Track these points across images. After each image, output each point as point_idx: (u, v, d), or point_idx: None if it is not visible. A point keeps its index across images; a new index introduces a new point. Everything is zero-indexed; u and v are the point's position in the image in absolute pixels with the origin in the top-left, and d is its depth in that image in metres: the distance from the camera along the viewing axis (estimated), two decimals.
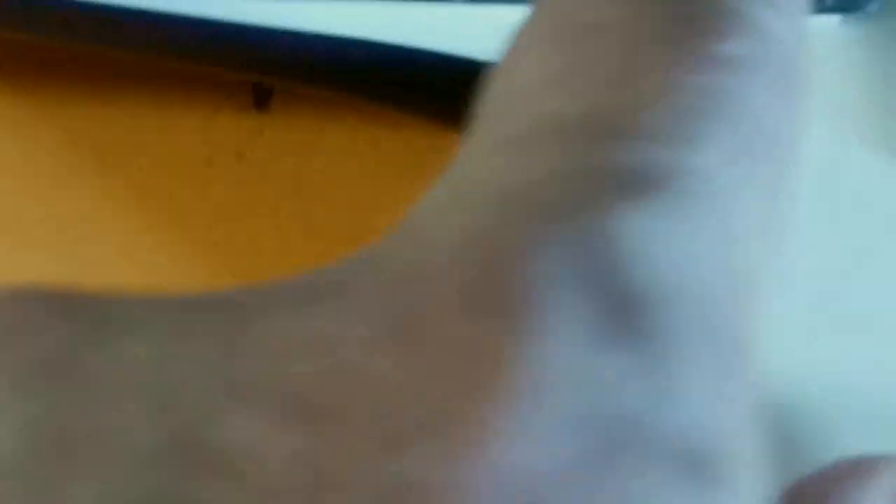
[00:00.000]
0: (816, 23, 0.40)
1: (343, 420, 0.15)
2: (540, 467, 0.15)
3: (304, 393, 0.15)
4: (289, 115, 0.49)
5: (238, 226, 0.49)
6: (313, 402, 0.15)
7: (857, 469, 0.29)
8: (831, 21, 0.40)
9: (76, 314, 0.17)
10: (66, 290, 0.17)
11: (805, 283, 0.39)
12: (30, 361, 0.16)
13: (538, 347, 0.16)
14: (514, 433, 0.15)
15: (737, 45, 0.20)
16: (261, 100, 0.49)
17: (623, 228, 0.17)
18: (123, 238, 0.48)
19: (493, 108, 0.20)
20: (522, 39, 0.21)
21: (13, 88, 0.48)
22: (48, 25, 0.44)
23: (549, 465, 0.15)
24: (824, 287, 0.39)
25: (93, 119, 0.48)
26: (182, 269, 0.48)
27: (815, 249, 0.39)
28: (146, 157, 0.48)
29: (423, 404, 0.15)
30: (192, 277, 0.48)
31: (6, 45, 0.48)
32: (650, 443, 0.16)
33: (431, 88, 0.45)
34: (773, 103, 0.20)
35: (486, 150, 0.19)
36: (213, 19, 0.42)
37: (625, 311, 0.16)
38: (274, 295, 0.17)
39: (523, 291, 0.16)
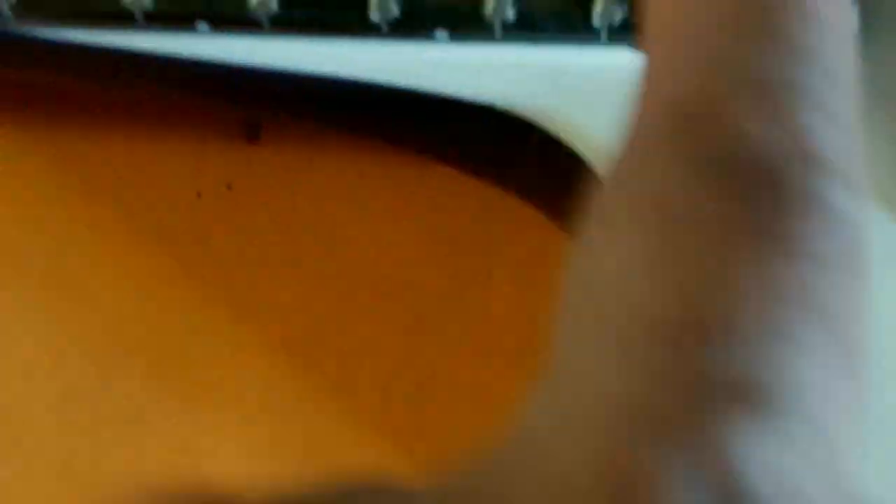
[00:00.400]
0: None
1: None
2: None
3: None
4: (278, 145, 0.49)
5: (227, 256, 0.49)
6: None
7: None
8: None
9: None
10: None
11: None
12: None
13: None
14: None
15: (825, 239, 0.20)
16: (250, 131, 0.49)
17: (737, 448, 0.17)
18: (114, 268, 0.49)
19: (584, 294, 0.20)
20: (606, 216, 0.21)
21: (1, 118, 0.49)
22: (41, 63, 0.44)
23: None
24: None
25: (82, 150, 0.49)
26: (173, 298, 0.49)
27: None
28: (136, 188, 0.49)
29: None
30: (183, 307, 0.49)
31: None
32: None
33: (417, 124, 0.46)
34: (854, 297, 0.20)
35: (588, 349, 0.20)
36: (204, 60, 0.43)
37: None
38: None
39: None
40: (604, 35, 0.41)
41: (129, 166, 0.49)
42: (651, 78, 0.23)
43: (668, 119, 0.21)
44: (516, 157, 0.44)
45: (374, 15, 0.41)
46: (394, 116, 0.45)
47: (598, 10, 0.40)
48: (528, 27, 0.41)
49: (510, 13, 0.40)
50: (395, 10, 0.40)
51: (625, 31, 0.40)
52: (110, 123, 0.49)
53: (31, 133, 0.49)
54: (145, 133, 0.49)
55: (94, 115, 0.49)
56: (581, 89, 0.41)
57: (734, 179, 0.20)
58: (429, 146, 0.47)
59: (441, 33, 0.41)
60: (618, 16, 0.40)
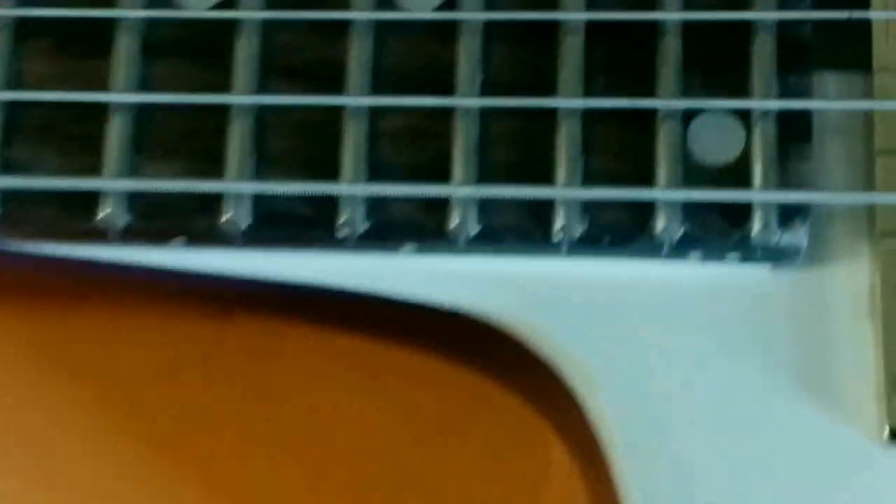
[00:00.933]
0: (746, 273, 0.43)
1: None
2: None
3: None
4: (251, 319, 0.50)
5: (202, 430, 0.50)
6: None
7: None
8: (761, 271, 0.43)
9: None
10: None
11: None
12: None
13: None
14: None
15: None
16: (224, 305, 0.50)
17: None
18: (90, 445, 0.49)
19: None
20: None
21: None
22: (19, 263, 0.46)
23: None
24: None
25: (57, 328, 0.50)
26: (147, 476, 0.49)
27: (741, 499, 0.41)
28: (110, 364, 0.50)
29: None
30: (160, 484, 0.49)
31: None
32: None
33: (388, 322, 0.47)
34: None
35: None
36: (178, 269, 0.44)
37: None
38: None
39: None
40: (565, 248, 0.42)
41: (102, 343, 0.50)
42: None
43: None
44: (491, 346, 0.45)
45: (343, 231, 0.42)
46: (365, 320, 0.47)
47: (558, 225, 0.41)
48: (490, 239, 0.42)
49: (474, 228, 0.42)
50: (361, 226, 0.42)
51: (586, 245, 0.42)
52: (81, 300, 0.50)
53: (1, 314, 0.50)
54: (117, 307, 0.50)
55: (65, 293, 0.50)
56: (541, 296, 0.43)
57: None
58: (405, 335, 0.48)
59: (408, 247, 0.42)
60: (577, 231, 0.41)
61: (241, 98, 0.42)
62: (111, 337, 0.50)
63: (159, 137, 0.42)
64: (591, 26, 0.42)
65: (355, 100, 0.42)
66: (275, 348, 0.50)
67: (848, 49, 0.43)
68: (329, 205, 0.42)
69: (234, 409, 0.50)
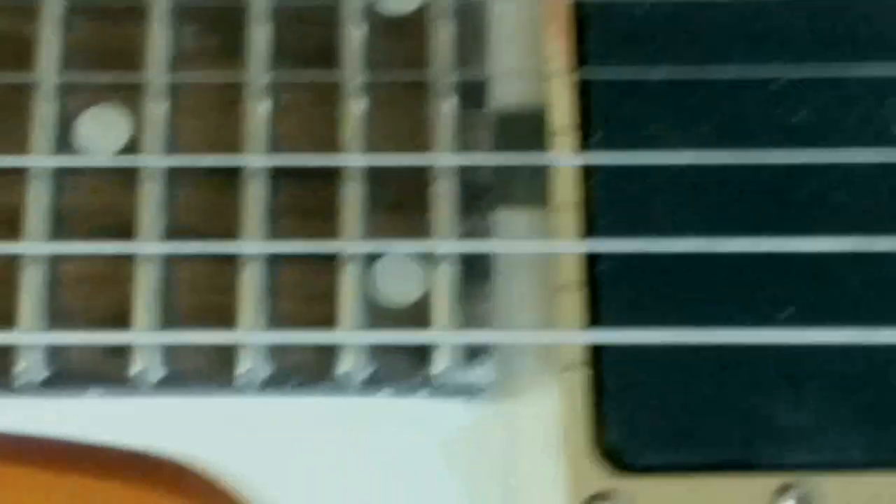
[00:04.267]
0: (443, 407, 0.43)
1: None
2: None
3: None
4: None
5: None
6: None
7: None
8: (456, 405, 0.43)
9: None
10: None
11: None
12: None
13: None
14: None
15: None
16: None
17: None
18: None
19: None
20: None
21: None
22: None
23: None
24: None
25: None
26: None
27: None
28: None
29: None
30: None
31: None
32: None
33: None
34: None
35: None
36: None
37: None
38: None
39: None
40: (251, 390, 0.42)
41: None
42: None
43: None
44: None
45: (21, 379, 0.41)
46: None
47: (242, 369, 0.41)
48: (175, 383, 0.42)
49: (158, 372, 0.41)
50: (41, 374, 0.41)
51: (274, 386, 0.42)
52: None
53: None
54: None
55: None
56: (234, 433, 0.42)
57: None
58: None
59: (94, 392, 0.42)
60: (263, 374, 0.41)
61: None
62: None
63: None
64: (276, 169, 0.43)
65: (31, 246, 0.41)
66: None
67: (529, 186, 0.44)
68: (7, 352, 0.41)
69: None
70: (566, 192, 0.44)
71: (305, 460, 0.42)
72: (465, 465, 0.43)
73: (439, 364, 0.42)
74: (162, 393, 0.42)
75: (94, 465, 0.46)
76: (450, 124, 0.43)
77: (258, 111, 0.43)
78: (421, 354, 0.42)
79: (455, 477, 0.42)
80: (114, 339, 0.41)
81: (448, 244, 0.42)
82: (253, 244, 0.42)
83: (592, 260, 0.43)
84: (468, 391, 0.42)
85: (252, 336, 0.41)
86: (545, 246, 0.43)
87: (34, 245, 0.41)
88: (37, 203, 0.42)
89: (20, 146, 0.43)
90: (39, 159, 0.42)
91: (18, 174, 0.42)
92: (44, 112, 0.43)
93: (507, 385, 0.43)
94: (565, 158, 0.44)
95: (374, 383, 0.42)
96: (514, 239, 0.44)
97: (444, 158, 0.43)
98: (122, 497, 0.47)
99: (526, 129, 0.45)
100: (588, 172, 0.44)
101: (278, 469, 0.42)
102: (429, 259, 0.43)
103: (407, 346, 0.42)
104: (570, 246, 0.43)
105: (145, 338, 0.41)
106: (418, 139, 0.43)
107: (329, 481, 0.42)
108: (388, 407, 0.43)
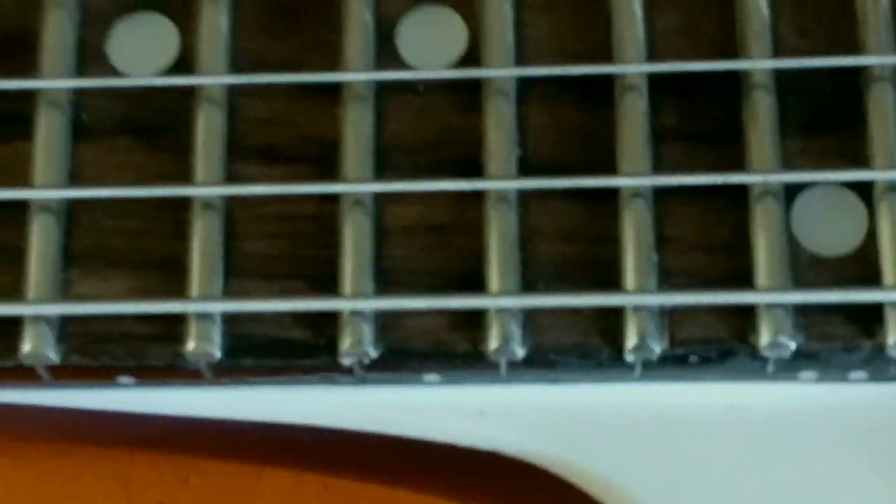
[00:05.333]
0: (874, 395, 0.33)
1: None
2: None
3: None
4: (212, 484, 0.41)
5: None
6: None
7: None
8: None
9: None
10: None
11: None
12: None
13: None
14: None
15: None
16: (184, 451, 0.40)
17: None
18: None
19: None
20: None
21: None
22: None
23: None
24: None
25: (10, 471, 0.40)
26: None
27: None
28: None
29: None
30: None
31: None
32: None
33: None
34: None
35: None
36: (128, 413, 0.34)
37: None
38: None
39: None
40: (638, 370, 0.32)
41: (47, 493, 0.40)
42: None
43: None
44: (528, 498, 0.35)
45: (348, 357, 0.32)
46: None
47: (631, 342, 0.31)
48: (539, 364, 0.32)
49: (519, 351, 0.32)
50: (371, 350, 0.32)
51: (667, 366, 0.32)
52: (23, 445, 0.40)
53: None
54: (63, 450, 0.40)
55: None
56: (608, 434, 0.33)
57: None
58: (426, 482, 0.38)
59: (431, 377, 0.32)
60: (657, 349, 0.31)
61: (205, 190, 0.32)
62: (57, 480, 0.40)
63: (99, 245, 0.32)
64: (656, 83, 0.33)
65: (356, 187, 0.32)
66: (246, 491, 0.41)
67: None
68: (328, 325, 0.32)
69: None
70: None
71: (694, 467, 0.33)
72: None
73: (892, 331, 0.31)
74: (519, 378, 0.32)
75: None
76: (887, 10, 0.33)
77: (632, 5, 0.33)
78: (864, 320, 0.31)
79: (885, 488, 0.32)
80: (461, 303, 0.31)
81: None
82: (636, 178, 0.32)
83: None
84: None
85: (640, 298, 0.31)
86: None
87: (356, 185, 0.32)
88: (355, 131, 0.33)
89: (332, 58, 0.33)
90: (356, 74, 0.33)
91: (332, 93, 0.33)
92: (360, 15, 0.33)
93: None
94: None
95: (799, 360, 0.32)
96: None
97: (881, 57, 0.33)
98: None
99: None
100: None
101: (662, 476, 0.33)
102: (868, 192, 0.32)
103: (846, 308, 0.31)
104: None
105: (504, 302, 0.31)
106: (842, 32, 0.33)
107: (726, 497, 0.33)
108: (807, 396, 0.33)
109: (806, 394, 0.33)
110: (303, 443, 0.36)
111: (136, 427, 0.35)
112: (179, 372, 0.32)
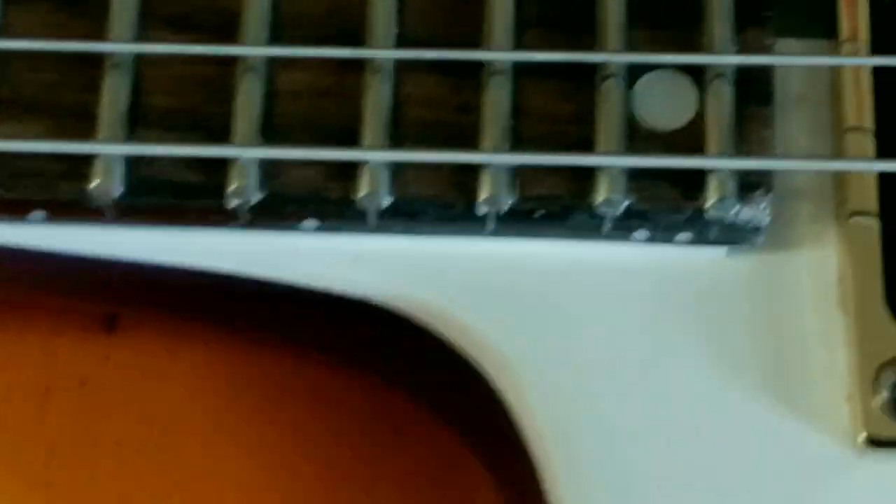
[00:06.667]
0: (701, 254, 0.37)
1: None
2: None
3: None
4: (139, 336, 0.44)
5: (78, 462, 0.44)
6: None
7: None
8: (717, 253, 0.37)
9: None
10: None
11: None
12: None
13: None
14: None
15: None
16: (108, 320, 0.44)
17: None
18: None
19: None
20: None
21: None
22: None
23: None
24: None
25: None
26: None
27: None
28: None
29: None
30: None
31: None
32: None
33: (284, 316, 0.41)
34: None
35: None
36: (43, 251, 0.38)
37: None
38: None
39: None
40: (490, 225, 0.36)
41: None
42: None
43: None
44: (399, 350, 0.39)
45: (233, 201, 0.36)
46: (264, 304, 0.41)
47: (483, 195, 0.36)
48: (404, 213, 0.36)
49: (386, 199, 0.36)
50: (254, 196, 0.36)
51: (516, 220, 0.36)
52: None
53: None
54: None
55: None
56: (465, 282, 0.37)
57: None
58: (305, 335, 0.42)
59: (309, 223, 0.36)
60: (506, 203, 0.36)
61: (118, 46, 0.36)
62: None
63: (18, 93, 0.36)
64: None
65: (253, 50, 0.36)
66: (163, 368, 0.44)
67: (811, 15, 0.38)
68: (218, 171, 0.36)
69: (114, 436, 0.44)
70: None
71: (542, 312, 0.37)
72: (724, 327, 0.37)
73: (710, 197, 0.35)
74: (386, 227, 0.36)
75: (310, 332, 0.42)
76: None
77: None
78: (688, 185, 0.36)
79: (711, 340, 0.36)
80: (338, 155, 0.36)
81: (724, 57, 0.36)
82: (498, 53, 0.36)
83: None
84: (738, 235, 0.36)
85: (495, 157, 0.35)
86: (835, 61, 0.37)
87: (253, 49, 0.36)
88: (256, 4, 0.37)
89: None
90: None
91: None
92: None
93: (782, 233, 0.37)
94: None
95: (631, 219, 0.36)
96: (796, 55, 0.37)
97: None
98: None
99: None
100: None
101: (514, 320, 0.37)
102: (700, 76, 0.36)
103: (672, 174, 0.36)
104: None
105: (374, 155, 0.35)
106: None
107: (570, 344, 0.37)
108: (637, 255, 0.37)
109: (639, 253, 0.37)
110: (181, 284, 0.39)
111: (51, 268, 0.39)
112: (86, 210, 0.36)
